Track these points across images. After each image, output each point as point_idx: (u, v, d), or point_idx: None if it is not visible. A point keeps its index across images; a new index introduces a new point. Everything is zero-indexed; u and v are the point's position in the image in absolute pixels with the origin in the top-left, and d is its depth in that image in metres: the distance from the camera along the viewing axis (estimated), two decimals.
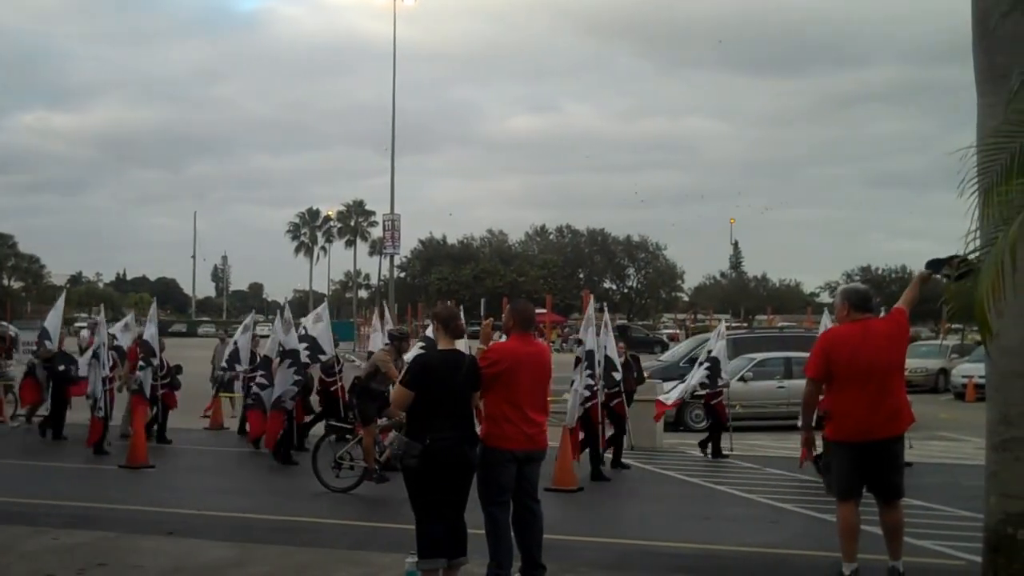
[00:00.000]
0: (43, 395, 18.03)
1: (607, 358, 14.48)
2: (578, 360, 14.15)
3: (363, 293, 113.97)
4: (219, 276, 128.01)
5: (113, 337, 17.12)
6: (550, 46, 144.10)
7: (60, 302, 19.09)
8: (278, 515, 10.94)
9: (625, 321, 74.08)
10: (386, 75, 74.21)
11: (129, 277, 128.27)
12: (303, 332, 15.54)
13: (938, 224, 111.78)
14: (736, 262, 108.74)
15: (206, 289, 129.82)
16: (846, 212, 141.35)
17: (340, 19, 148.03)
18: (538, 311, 15.03)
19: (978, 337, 5.88)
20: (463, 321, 7.98)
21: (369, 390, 12.77)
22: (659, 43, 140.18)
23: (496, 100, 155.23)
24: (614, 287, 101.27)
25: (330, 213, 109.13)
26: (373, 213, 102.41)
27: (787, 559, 8.91)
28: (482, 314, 32.84)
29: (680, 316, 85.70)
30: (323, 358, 15.62)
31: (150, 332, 16.75)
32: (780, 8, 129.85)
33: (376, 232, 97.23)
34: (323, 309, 16.63)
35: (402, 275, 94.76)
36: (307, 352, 15.26)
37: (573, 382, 14.01)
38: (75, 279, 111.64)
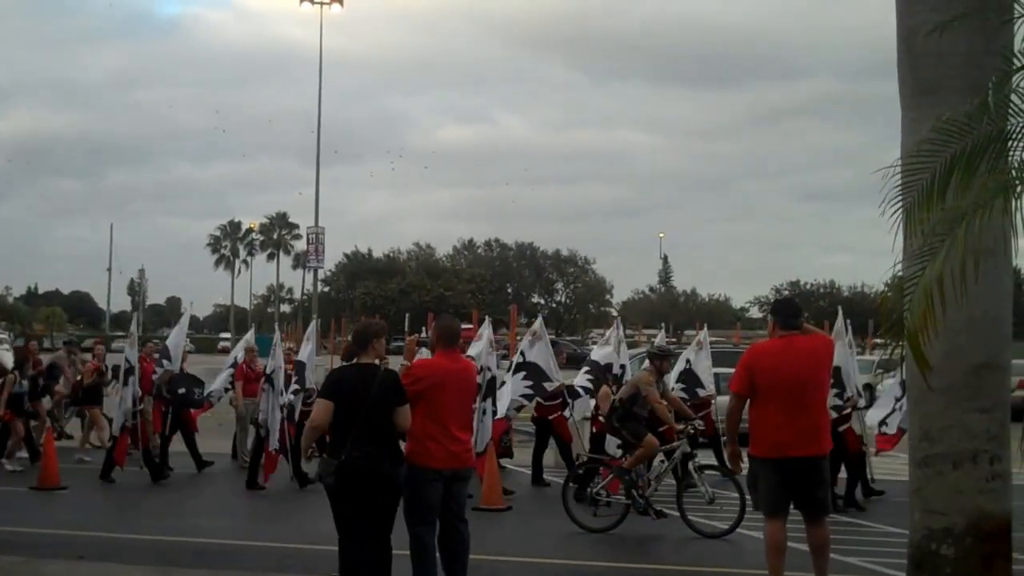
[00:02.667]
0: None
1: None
2: None
3: (286, 308, 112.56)
4: (135, 290, 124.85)
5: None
6: (481, 56, 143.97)
7: (184, 320, 17.99)
8: (196, 537, 10.62)
9: (553, 336, 74.32)
10: (312, 84, 73.76)
11: (41, 291, 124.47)
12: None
13: (867, 238, 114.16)
14: (665, 276, 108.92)
15: (122, 303, 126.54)
16: (777, 226, 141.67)
17: (266, 26, 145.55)
18: (465, 326, 14.63)
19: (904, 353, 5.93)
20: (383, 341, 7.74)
21: (632, 414, 11.75)
22: (591, 55, 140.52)
23: (425, 110, 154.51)
24: (542, 301, 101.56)
25: (252, 225, 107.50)
26: (297, 226, 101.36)
27: None
28: (406, 329, 32.49)
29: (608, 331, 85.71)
30: (548, 386, 14.67)
31: (307, 352, 15.61)
32: (712, 21, 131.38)
33: (300, 245, 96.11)
34: (539, 325, 15.44)
35: (326, 289, 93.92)
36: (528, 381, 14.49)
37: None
38: None
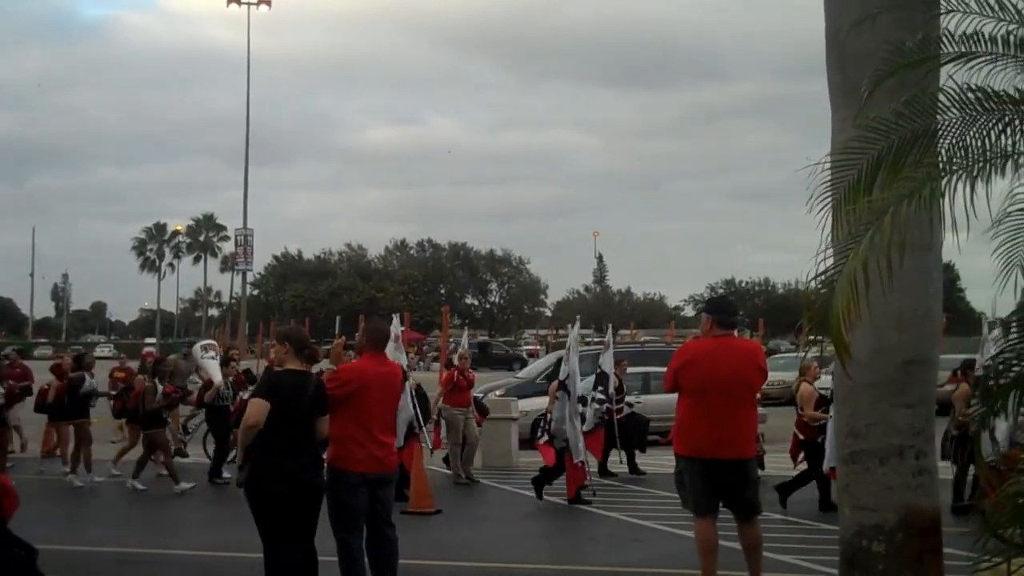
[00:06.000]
0: None
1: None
2: None
3: (214, 311, 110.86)
4: (59, 295, 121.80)
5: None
6: (410, 58, 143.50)
7: (394, 326, 16.95)
8: (118, 547, 10.30)
9: (486, 338, 74.05)
10: (240, 85, 72.84)
11: None
12: None
13: (800, 237, 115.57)
14: (600, 276, 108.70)
15: (45, 309, 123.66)
16: (711, 225, 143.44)
17: (191, 28, 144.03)
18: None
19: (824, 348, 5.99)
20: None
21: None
22: (521, 55, 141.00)
23: (355, 111, 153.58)
24: (476, 303, 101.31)
25: (179, 228, 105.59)
26: (224, 228, 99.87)
27: None
28: (336, 332, 32.07)
29: (542, 332, 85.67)
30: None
31: (574, 362, 13.55)
32: (644, 21, 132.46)
33: (228, 247, 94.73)
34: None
35: (255, 292, 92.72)
36: None
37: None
38: None
